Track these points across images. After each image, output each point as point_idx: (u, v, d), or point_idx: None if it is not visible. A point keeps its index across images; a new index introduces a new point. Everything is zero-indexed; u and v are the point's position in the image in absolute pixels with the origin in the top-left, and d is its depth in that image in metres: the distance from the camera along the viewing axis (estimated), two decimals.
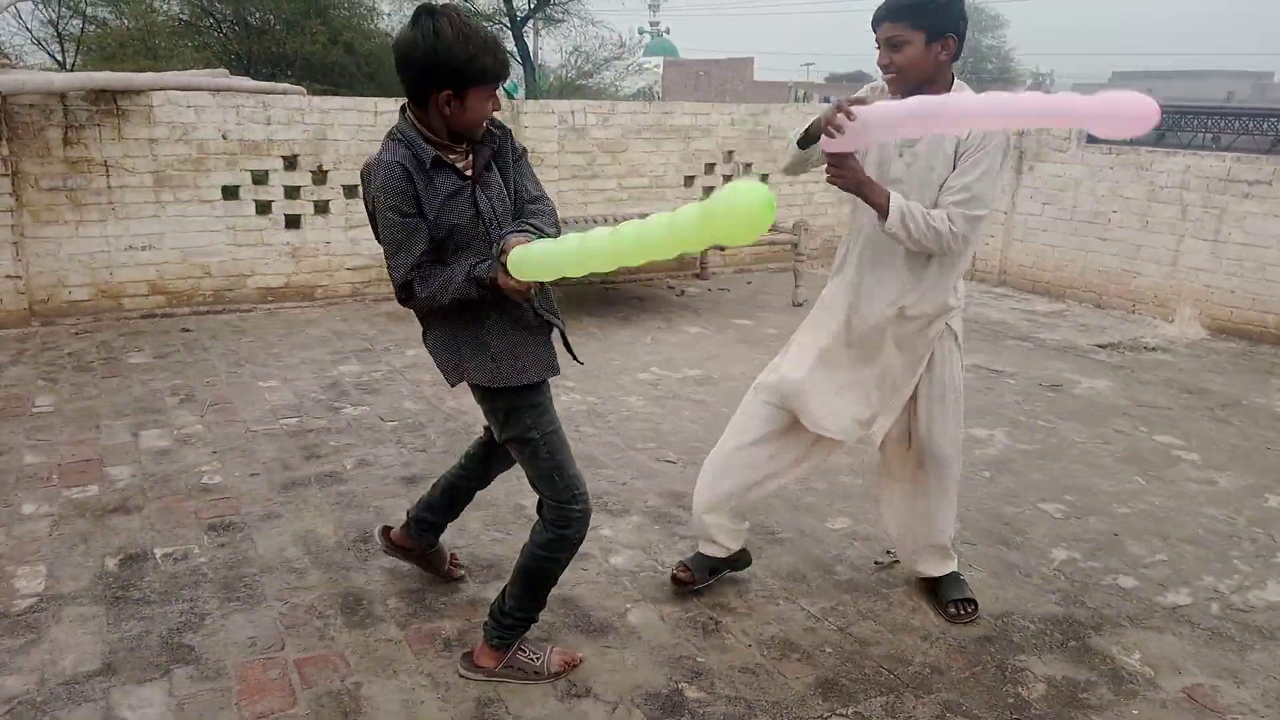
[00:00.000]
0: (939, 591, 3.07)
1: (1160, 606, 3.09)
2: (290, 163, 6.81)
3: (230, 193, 6.67)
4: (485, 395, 2.52)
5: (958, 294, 2.84)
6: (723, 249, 6.96)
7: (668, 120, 8.20)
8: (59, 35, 22.90)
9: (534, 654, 2.63)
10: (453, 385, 2.56)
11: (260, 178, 6.75)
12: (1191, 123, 8.04)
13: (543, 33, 29.03)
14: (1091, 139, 7.73)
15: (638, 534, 3.52)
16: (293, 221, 6.93)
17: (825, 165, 2.62)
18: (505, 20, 25.89)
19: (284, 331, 6.28)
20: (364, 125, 6.96)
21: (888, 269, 2.78)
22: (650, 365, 5.68)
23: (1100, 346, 6.39)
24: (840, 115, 2.41)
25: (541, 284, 2.42)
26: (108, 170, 6.26)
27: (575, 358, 2.69)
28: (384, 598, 3.04)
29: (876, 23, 2.66)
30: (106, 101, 6.17)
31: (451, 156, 2.36)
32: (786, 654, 2.80)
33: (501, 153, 2.45)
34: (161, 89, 6.41)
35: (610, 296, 7.51)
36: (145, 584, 3.08)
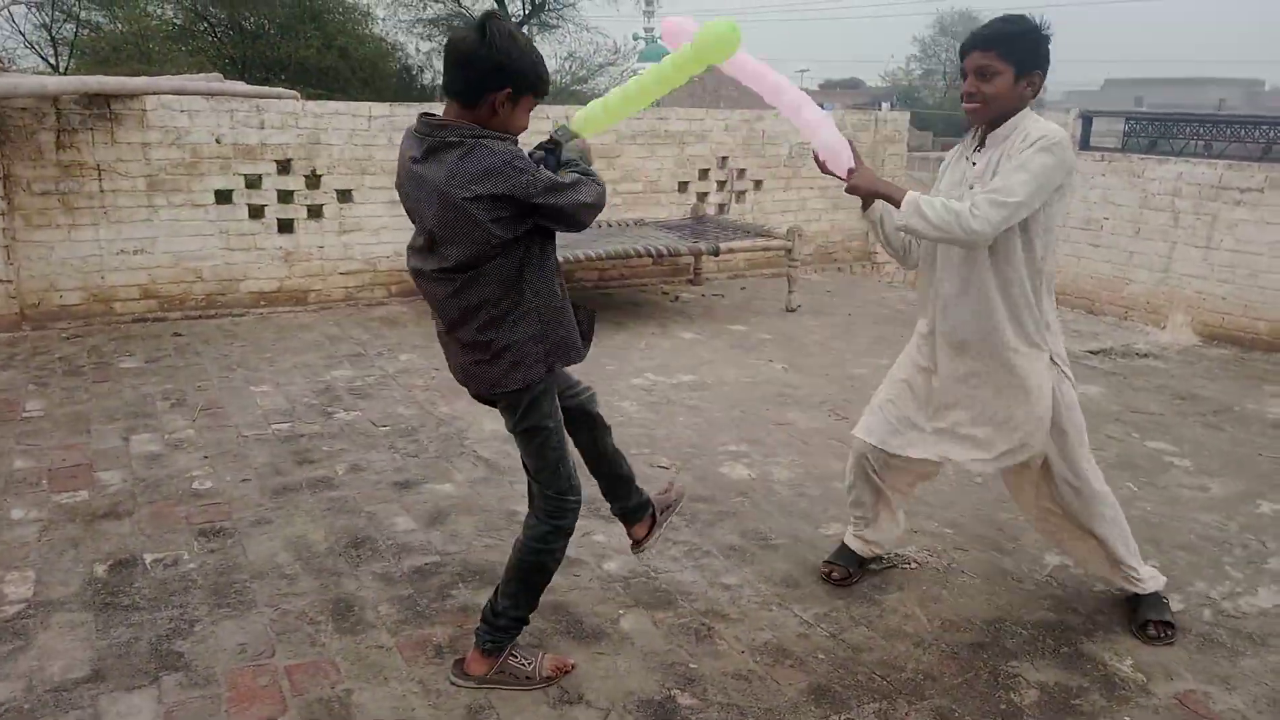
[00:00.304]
0: (1136, 610, 3.01)
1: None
2: (284, 167, 6.80)
3: (223, 197, 6.66)
4: (513, 391, 2.49)
5: (1048, 320, 2.81)
6: (717, 255, 6.96)
7: (663, 126, 8.20)
8: (52, 39, 22.84)
9: (525, 660, 2.62)
10: (545, 372, 2.50)
11: (253, 182, 6.74)
12: (1183, 130, 8.07)
13: (537, 38, 29.07)
14: (1084, 146, 7.75)
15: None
16: (286, 226, 6.91)
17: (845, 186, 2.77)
18: None
19: (276, 336, 6.26)
20: (358, 130, 6.95)
21: (972, 306, 2.78)
22: (644, 370, 5.67)
23: (1092, 353, 6.40)
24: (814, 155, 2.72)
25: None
26: (100, 174, 6.25)
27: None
28: (375, 604, 3.03)
29: (966, 50, 2.66)
30: (99, 105, 6.16)
31: None
32: (779, 660, 2.79)
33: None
34: (155, 93, 6.40)
35: (604, 302, 7.51)
36: (135, 590, 3.06)
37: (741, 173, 8.64)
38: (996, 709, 2.59)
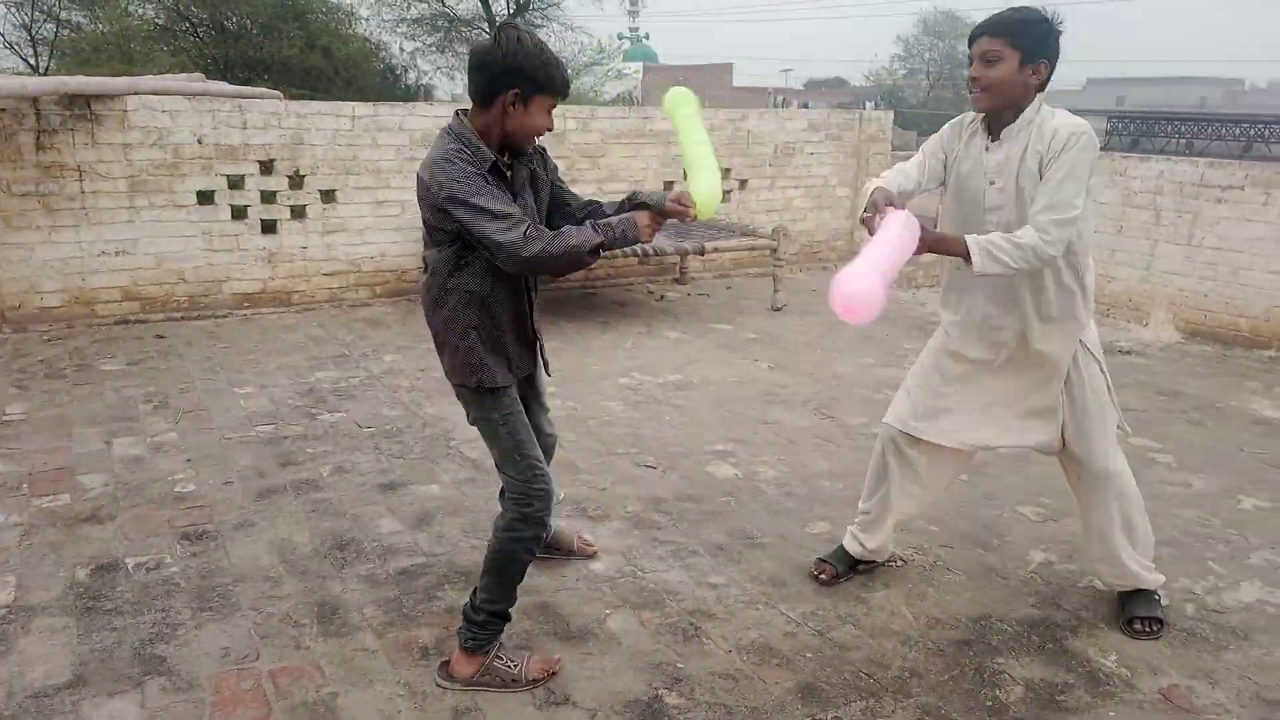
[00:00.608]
0: (1125, 605, 3.03)
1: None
2: (266, 167, 6.76)
3: (205, 198, 6.61)
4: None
5: (1087, 308, 2.84)
6: (702, 254, 6.96)
7: (647, 125, 8.20)
8: (32, 39, 22.67)
9: (511, 661, 2.62)
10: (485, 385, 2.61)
11: (236, 182, 6.70)
12: (1165, 129, 8.13)
13: None
14: None
15: (618, 539, 3.51)
16: (269, 227, 6.88)
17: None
18: (485, 25, 25.87)
19: (260, 338, 6.22)
20: (341, 130, 6.92)
21: (1009, 292, 2.81)
22: (630, 370, 5.67)
23: None
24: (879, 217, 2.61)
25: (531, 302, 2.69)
26: (81, 175, 6.19)
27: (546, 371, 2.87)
28: (360, 606, 3.01)
29: (974, 37, 2.69)
30: (80, 106, 6.11)
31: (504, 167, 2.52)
32: (766, 659, 2.79)
33: (536, 173, 2.62)
34: (136, 93, 6.35)
35: (590, 301, 7.50)
36: (117, 594, 3.04)
37: (727, 172, 8.65)
38: (982, 705, 2.60)
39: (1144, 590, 3.02)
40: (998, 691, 2.66)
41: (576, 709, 2.54)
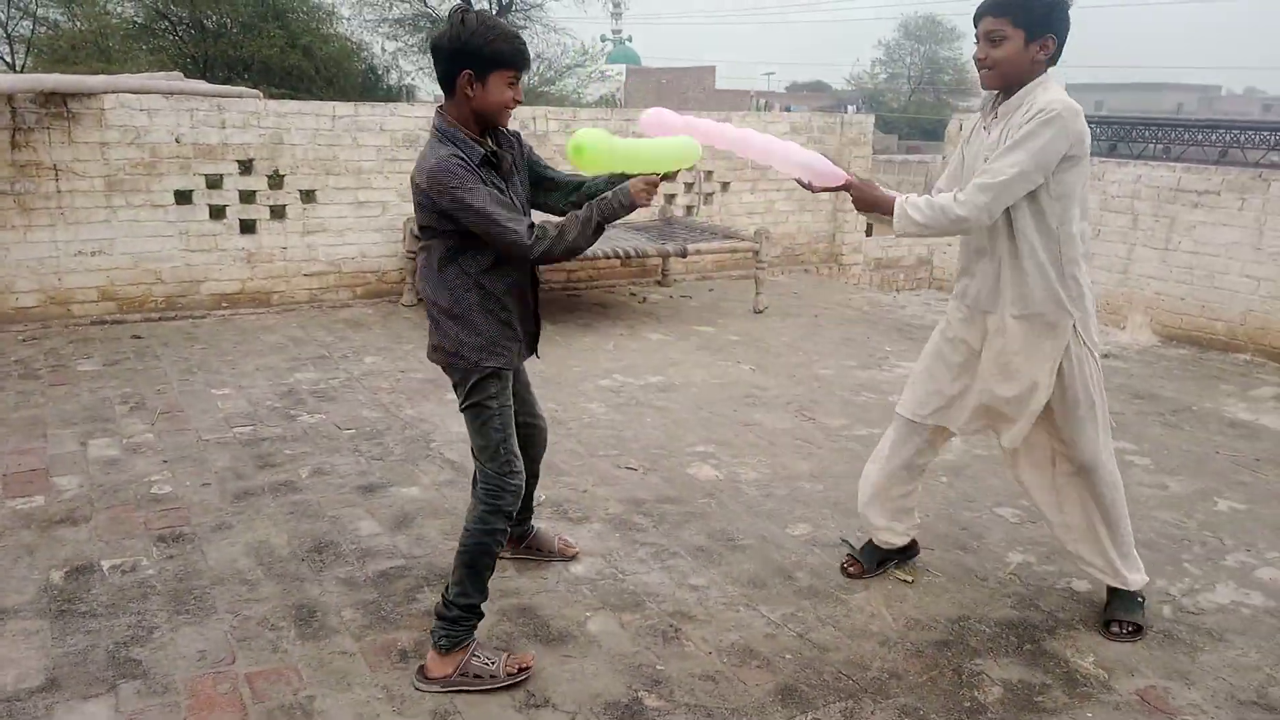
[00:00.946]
0: (1108, 605, 3.03)
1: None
2: (245, 167, 6.72)
3: (183, 197, 6.56)
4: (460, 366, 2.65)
5: (1076, 296, 2.80)
6: (684, 256, 6.97)
7: (630, 128, 8.20)
8: (8, 37, 22.45)
9: (488, 659, 2.61)
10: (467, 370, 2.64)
11: (214, 182, 6.65)
12: (1142, 134, 8.20)
13: None
14: None
15: (598, 541, 3.50)
16: (248, 226, 6.83)
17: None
18: None
19: (238, 338, 6.18)
20: (321, 129, 6.88)
21: (992, 274, 2.83)
22: (612, 372, 5.66)
23: None
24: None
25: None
26: (57, 174, 6.13)
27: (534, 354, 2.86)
28: (338, 609, 2.99)
29: (978, 17, 2.69)
30: (56, 104, 6.05)
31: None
32: (746, 661, 2.79)
33: (518, 151, 2.72)
34: (113, 92, 6.29)
35: (572, 303, 7.49)
36: (92, 597, 3.01)
37: (709, 175, 8.66)
38: (960, 706, 2.61)
39: (1128, 592, 3.01)
40: (976, 692, 2.67)
41: (556, 711, 2.53)
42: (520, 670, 2.63)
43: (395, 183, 7.13)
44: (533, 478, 3.11)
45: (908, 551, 3.34)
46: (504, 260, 2.55)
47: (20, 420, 4.54)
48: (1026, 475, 3.08)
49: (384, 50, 27.29)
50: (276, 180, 6.82)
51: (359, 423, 4.67)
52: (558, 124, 7.82)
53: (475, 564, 2.61)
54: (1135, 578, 3.01)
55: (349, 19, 25.56)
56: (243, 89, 9.04)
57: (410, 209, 6.57)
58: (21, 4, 21.42)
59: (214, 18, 20.85)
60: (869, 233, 9.58)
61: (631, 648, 2.83)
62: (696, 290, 8.23)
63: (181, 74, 10.56)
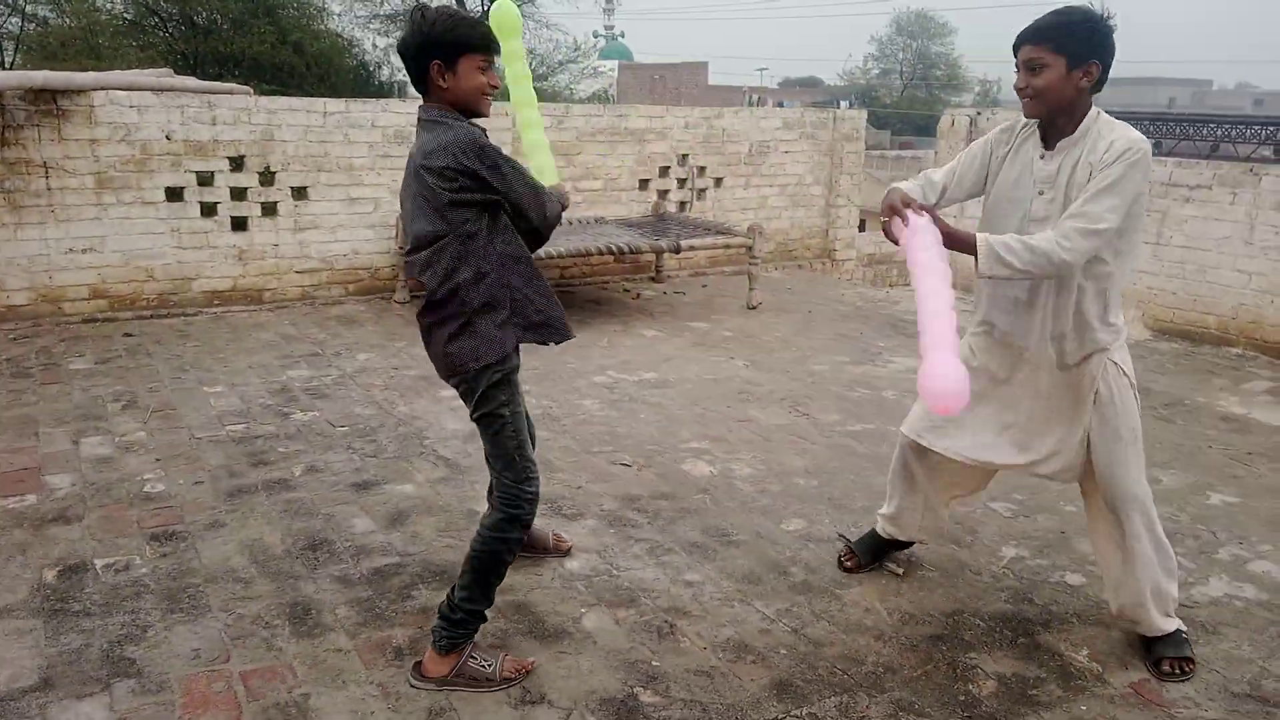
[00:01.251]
0: (1152, 648, 2.81)
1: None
2: (237, 164, 6.69)
3: (174, 194, 6.53)
4: (471, 374, 2.56)
5: (1115, 325, 2.71)
6: (678, 252, 6.96)
7: (622, 124, 8.19)
8: None
9: (485, 661, 2.60)
10: (474, 370, 2.56)
11: (205, 179, 6.62)
12: (1134, 128, 8.22)
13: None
14: None
15: (593, 538, 3.50)
16: (239, 224, 6.80)
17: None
18: None
19: (231, 336, 6.16)
20: (312, 126, 6.86)
21: (1034, 304, 2.72)
22: (606, 368, 5.66)
23: None
24: (897, 220, 2.59)
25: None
26: (47, 172, 6.10)
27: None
28: (333, 607, 2.99)
29: (1017, 46, 2.60)
30: (46, 101, 6.01)
31: None
32: (741, 656, 2.79)
33: None
34: (103, 88, 6.26)
35: (565, 300, 7.47)
36: (85, 596, 3.00)
37: (702, 170, 8.66)
38: (955, 700, 2.61)
39: (1172, 634, 2.82)
40: (970, 686, 2.68)
41: (552, 708, 2.53)
42: (517, 674, 2.62)
43: (387, 179, 7.11)
44: None
45: (905, 545, 3.33)
46: (516, 242, 2.57)
47: (12, 419, 4.52)
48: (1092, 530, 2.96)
49: (375, 46, 27.19)
50: (268, 177, 6.80)
51: (352, 420, 4.66)
52: (550, 120, 7.80)
53: (485, 571, 2.59)
54: (1172, 621, 2.83)
55: (340, 15, 25.47)
56: (233, 85, 9.02)
57: None
58: (10, 0, 21.30)
59: (204, 14, 20.76)
60: (861, 228, 9.59)
61: (627, 644, 2.84)
62: (690, 286, 8.23)
63: (171, 70, 10.52)
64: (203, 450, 4.22)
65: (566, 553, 3.33)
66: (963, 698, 2.63)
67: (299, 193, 6.91)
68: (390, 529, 3.53)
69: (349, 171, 7.02)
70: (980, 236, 2.56)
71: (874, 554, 3.31)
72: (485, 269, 2.49)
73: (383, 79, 26.26)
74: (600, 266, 8.15)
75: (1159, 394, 5.51)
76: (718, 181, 8.78)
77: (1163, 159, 7.27)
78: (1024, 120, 2.75)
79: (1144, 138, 2.56)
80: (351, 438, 4.43)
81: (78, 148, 6.16)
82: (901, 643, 2.89)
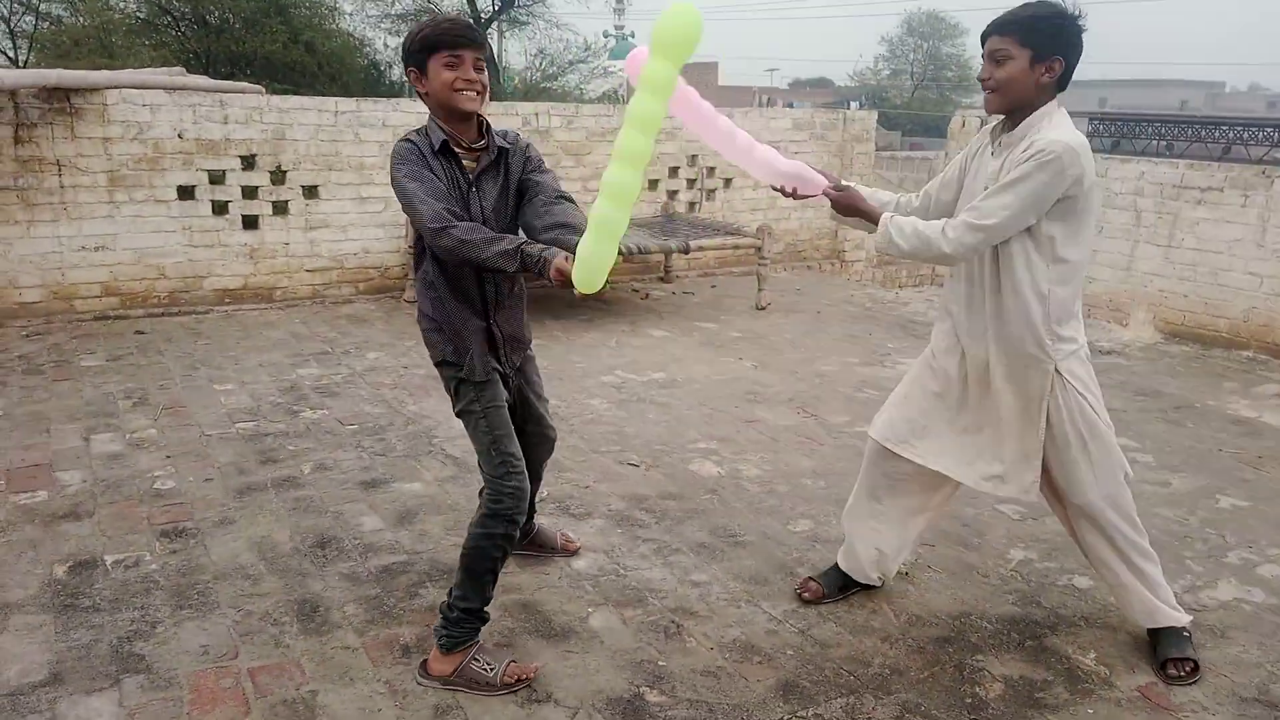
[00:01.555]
0: (1156, 646, 2.82)
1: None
2: (248, 162, 6.72)
3: (186, 193, 6.57)
4: (440, 369, 2.73)
5: (1067, 338, 2.65)
6: (687, 253, 6.96)
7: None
8: (11, 32, 22.44)
9: (488, 664, 2.60)
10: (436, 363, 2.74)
11: (217, 177, 6.65)
12: (1145, 130, 8.18)
13: (507, 35, 28.92)
14: None
15: (600, 537, 3.50)
16: (250, 222, 6.83)
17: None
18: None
19: (241, 334, 6.18)
20: (323, 125, 6.88)
21: (979, 308, 2.70)
22: (614, 368, 5.67)
23: None
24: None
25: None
26: (60, 169, 6.14)
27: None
28: (341, 604, 3.00)
29: (985, 36, 2.59)
30: (59, 100, 6.05)
31: (459, 150, 2.55)
32: (748, 657, 2.79)
33: (509, 163, 2.62)
34: (116, 87, 6.30)
35: (574, 299, 7.49)
36: (95, 592, 3.01)
37: (711, 171, 8.66)
38: (962, 703, 2.61)
39: (1173, 628, 2.82)
40: (977, 688, 2.68)
41: (559, 707, 2.54)
42: (519, 681, 2.60)
43: None
44: (536, 479, 3.09)
45: (864, 586, 3.16)
46: (440, 258, 2.56)
47: (24, 415, 4.55)
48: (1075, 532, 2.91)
49: (386, 46, 27.22)
50: (279, 176, 6.83)
51: (361, 418, 4.68)
52: (560, 120, 7.82)
53: (474, 568, 2.58)
54: (1179, 614, 2.83)
55: (351, 15, 25.51)
56: (245, 84, 9.05)
57: None
58: None
59: (216, 13, 20.82)
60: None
61: (633, 644, 2.84)
62: (699, 287, 8.22)
63: (184, 69, 10.57)
64: (213, 448, 4.24)
65: (574, 554, 3.33)
66: (969, 700, 2.63)
67: (310, 191, 6.94)
68: (398, 527, 3.54)
69: (360, 170, 7.05)
70: (885, 215, 2.65)
71: (839, 587, 3.13)
72: (429, 278, 2.63)
73: (394, 79, 26.29)
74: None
75: (1169, 397, 5.49)
76: (727, 182, 8.78)
77: (1174, 161, 7.24)
78: (996, 124, 2.74)
79: (1071, 140, 2.48)
80: (360, 436, 4.44)
81: (90, 146, 6.20)
82: (908, 644, 2.88)
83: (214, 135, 6.55)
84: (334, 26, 23.17)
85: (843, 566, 3.13)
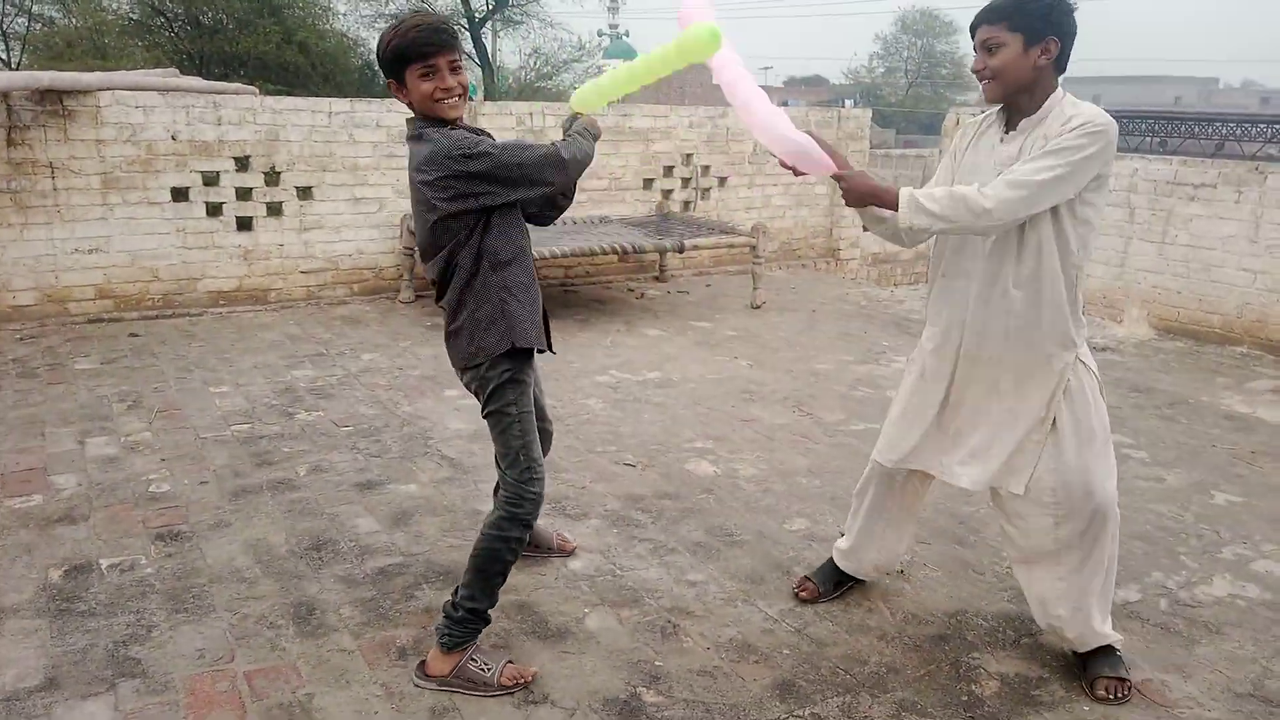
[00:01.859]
0: (1087, 666, 2.71)
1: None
2: (242, 164, 6.71)
3: (180, 194, 6.55)
4: (483, 367, 2.60)
5: (1078, 327, 2.59)
6: (682, 252, 6.96)
7: (626, 123, 8.19)
8: (3, 34, 22.39)
9: (485, 665, 2.60)
10: (488, 356, 2.60)
11: (211, 179, 6.64)
12: (1139, 126, 8.21)
13: (501, 34, 28.92)
14: None
15: (596, 538, 3.50)
16: (244, 224, 6.82)
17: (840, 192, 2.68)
18: (464, 21, 25.75)
19: (236, 336, 6.17)
20: (317, 126, 6.87)
21: (998, 306, 2.60)
22: (609, 368, 5.67)
23: None
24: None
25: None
26: (53, 172, 6.12)
27: (550, 348, 2.81)
28: (337, 607, 2.99)
29: (975, 27, 2.55)
30: (52, 101, 6.04)
31: None
32: (744, 656, 2.80)
33: None
34: (109, 89, 6.28)
35: (569, 299, 7.49)
36: (90, 595, 3.01)
37: (706, 169, 8.66)
38: (958, 700, 2.62)
39: (1107, 646, 2.72)
40: (973, 686, 2.68)
41: (555, 708, 2.54)
42: (516, 684, 2.60)
43: (392, 179, 7.12)
44: None
45: (860, 581, 3.15)
46: (520, 231, 2.60)
47: (18, 419, 4.54)
48: (1023, 540, 2.75)
49: None
50: (273, 177, 6.82)
51: (357, 420, 4.67)
52: (554, 119, 7.81)
53: (486, 570, 2.59)
54: (1113, 633, 2.72)
55: (345, 15, 25.50)
56: (239, 85, 9.03)
57: (408, 205, 6.56)
58: (17, 0, 21.37)
59: (209, 14, 20.81)
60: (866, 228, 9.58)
61: (630, 644, 2.84)
62: (694, 286, 8.23)
63: (177, 70, 10.55)
64: (208, 450, 4.23)
65: (570, 554, 3.34)
66: (965, 698, 2.63)
67: (304, 193, 6.93)
68: (394, 529, 3.54)
69: (354, 171, 7.04)
70: (904, 189, 2.53)
71: (835, 584, 3.12)
72: (479, 274, 2.55)
73: None
74: (604, 266, 8.16)
75: (1163, 393, 5.50)
76: (722, 181, 8.78)
77: (1168, 157, 7.26)
78: (989, 112, 2.71)
79: (1107, 117, 2.45)
80: (356, 438, 4.44)
81: (84, 148, 6.19)
82: (904, 643, 2.89)
83: (207, 137, 6.54)
84: (328, 27, 23.16)
85: (843, 568, 3.13)
